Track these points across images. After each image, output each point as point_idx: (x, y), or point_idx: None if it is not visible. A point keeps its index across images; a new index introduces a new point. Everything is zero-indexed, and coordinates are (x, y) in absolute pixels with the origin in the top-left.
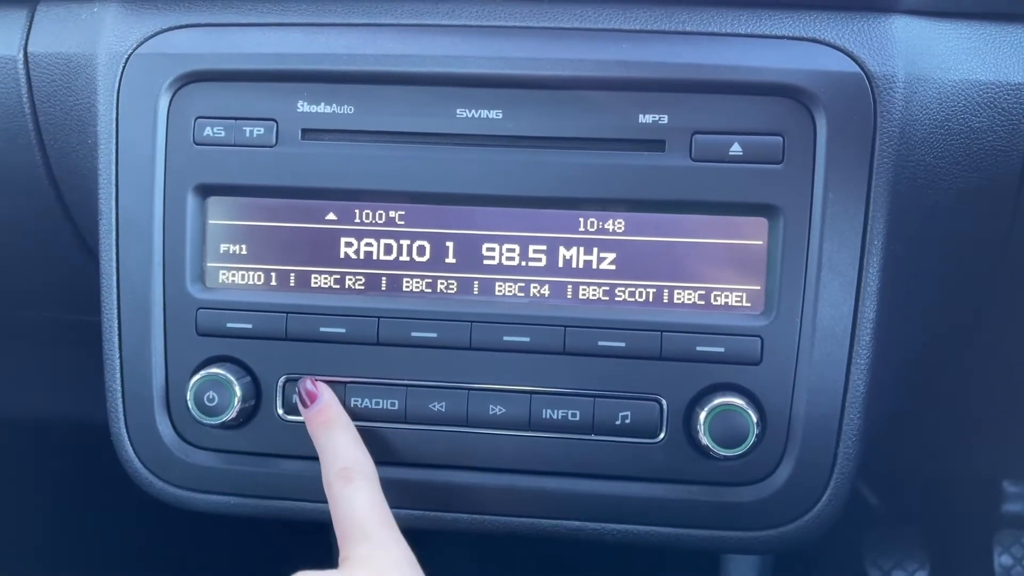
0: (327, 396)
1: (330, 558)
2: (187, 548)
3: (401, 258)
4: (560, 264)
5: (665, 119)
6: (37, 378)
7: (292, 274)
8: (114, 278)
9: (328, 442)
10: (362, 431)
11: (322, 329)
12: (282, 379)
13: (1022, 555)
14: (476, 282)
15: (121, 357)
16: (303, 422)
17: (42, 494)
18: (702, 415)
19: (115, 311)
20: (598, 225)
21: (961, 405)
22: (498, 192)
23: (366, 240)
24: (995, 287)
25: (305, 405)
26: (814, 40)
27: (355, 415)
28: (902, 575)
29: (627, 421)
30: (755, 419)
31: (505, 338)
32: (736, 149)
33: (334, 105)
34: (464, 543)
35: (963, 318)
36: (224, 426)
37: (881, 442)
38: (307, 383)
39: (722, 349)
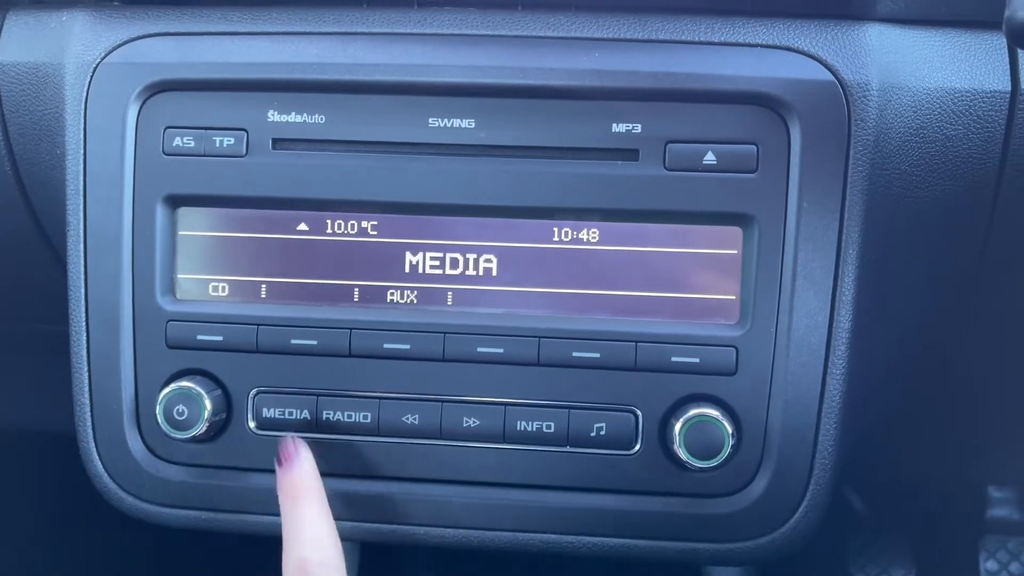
0: (304, 462)
1: None
2: (164, 562)
3: (374, 269)
4: (534, 274)
5: (638, 128)
6: (8, 387)
7: (263, 285)
8: (82, 290)
9: (292, 519)
10: (334, 444)
11: (293, 341)
12: (253, 392)
13: (1008, 560)
14: (449, 293)
15: (90, 370)
16: (275, 436)
17: (12, 505)
18: (677, 426)
19: (83, 324)
20: (572, 235)
21: (946, 411)
22: (471, 202)
23: (338, 251)
24: (974, 294)
25: (279, 464)
26: (787, 48)
27: (327, 428)
28: None
29: (602, 433)
30: (730, 430)
31: (479, 349)
32: (710, 158)
33: (305, 115)
34: (441, 557)
35: (942, 326)
36: (194, 440)
37: (865, 449)
38: (288, 443)
39: (697, 360)
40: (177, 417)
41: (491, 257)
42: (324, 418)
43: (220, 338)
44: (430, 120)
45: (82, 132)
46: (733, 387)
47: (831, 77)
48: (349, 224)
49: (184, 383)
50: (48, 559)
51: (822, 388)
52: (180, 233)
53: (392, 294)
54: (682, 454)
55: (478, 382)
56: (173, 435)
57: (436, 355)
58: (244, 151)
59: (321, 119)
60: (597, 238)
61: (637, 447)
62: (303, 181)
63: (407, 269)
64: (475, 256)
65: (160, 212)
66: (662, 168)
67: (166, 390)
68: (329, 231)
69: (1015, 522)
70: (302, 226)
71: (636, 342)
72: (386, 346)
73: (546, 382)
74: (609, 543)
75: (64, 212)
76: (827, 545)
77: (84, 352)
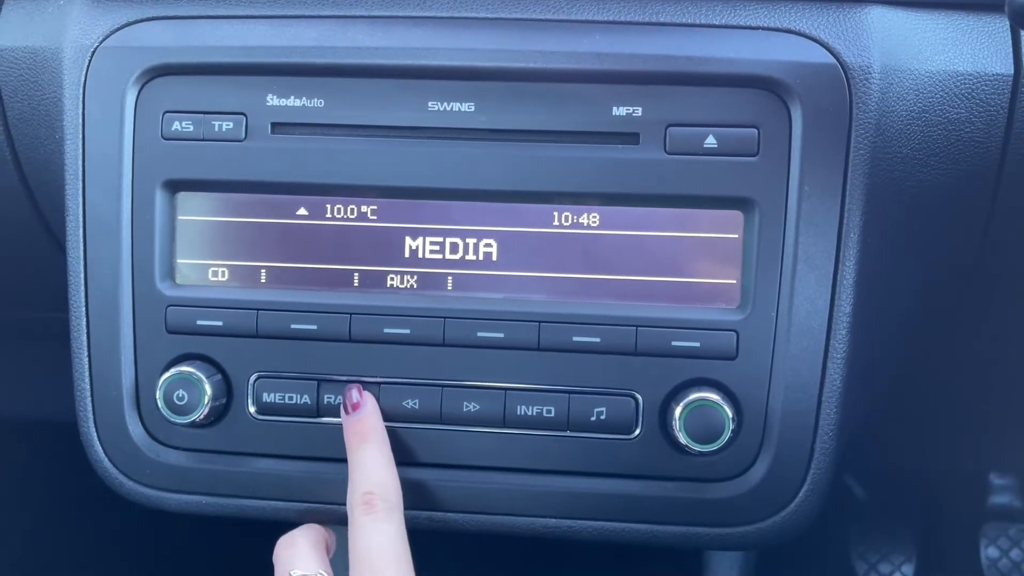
0: (369, 408)
1: None
2: (165, 548)
3: (373, 253)
4: (534, 259)
5: (639, 111)
6: (7, 376)
7: (263, 270)
8: (82, 275)
9: (359, 458)
10: (334, 429)
11: (293, 326)
12: (253, 376)
13: (1008, 547)
14: (449, 277)
15: (90, 356)
16: (274, 420)
17: (12, 494)
18: (678, 411)
19: (83, 309)
20: (572, 219)
21: (947, 398)
22: (471, 186)
23: (338, 235)
24: (976, 280)
25: (347, 412)
26: (789, 31)
27: (328, 412)
28: (889, 568)
29: (602, 417)
30: (731, 414)
31: (479, 334)
32: (711, 141)
33: (304, 99)
34: (441, 542)
35: (944, 312)
36: (195, 425)
37: (867, 435)
38: (353, 392)
39: (697, 344)
40: (177, 402)
41: (491, 242)
42: (325, 403)
43: (220, 323)
44: (430, 104)
45: (80, 117)
46: (734, 371)
47: (833, 60)
48: (349, 209)
49: (184, 368)
50: (49, 548)
51: (823, 372)
52: (179, 218)
53: (392, 279)
54: (682, 438)
55: (478, 367)
56: (173, 420)
57: (436, 340)
58: (243, 135)
59: (320, 103)
60: (597, 222)
61: (637, 431)
62: (302, 165)
63: (407, 254)
64: (475, 241)
65: (159, 197)
66: (663, 152)
67: (166, 375)
68: (329, 216)
69: (1016, 509)
70: (302, 211)
71: (636, 326)
72: (386, 331)
73: (546, 367)
74: (609, 527)
75: (63, 197)
76: (828, 532)
77: (84, 338)
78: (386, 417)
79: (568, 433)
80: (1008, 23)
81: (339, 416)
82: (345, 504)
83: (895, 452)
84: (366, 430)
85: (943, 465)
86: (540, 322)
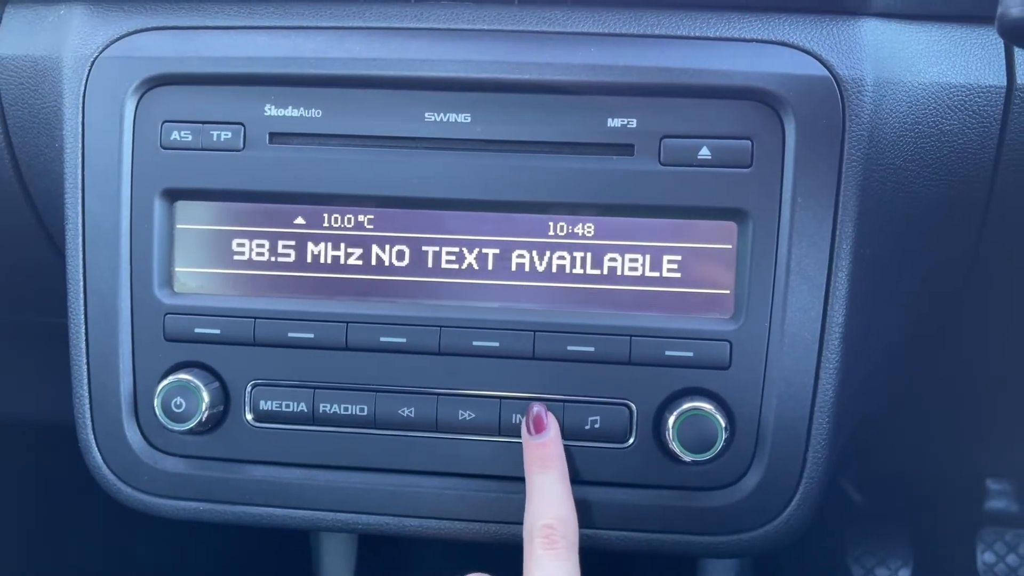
0: (553, 433)
1: (307, 561)
2: (163, 555)
3: (370, 263)
4: (529, 269)
5: (634, 123)
6: (10, 379)
7: (260, 279)
8: (81, 283)
9: (540, 485)
10: (331, 437)
11: (290, 334)
12: (251, 384)
13: (1005, 552)
14: (445, 286)
15: (88, 363)
16: (271, 428)
17: (13, 496)
18: (671, 420)
19: (82, 316)
20: (568, 229)
21: (943, 403)
22: (467, 196)
23: (334, 245)
24: (968, 290)
25: (529, 432)
26: (783, 43)
27: (324, 421)
28: (885, 573)
29: (596, 426)
30: (724, 424)
31: (474, 343)
32: (705, 153)
33: (302, 109)
34: (437, 549)
35: (937, 321)
36: (192, 432)
37: (863, 441)
38: (536, 410)
39: (691, 354)
40: (175, 409)
41: (486, 251)
42: (321, 411)
43: (218, 331)
44: (426, 115)
45: (80, 126)
46: (727, 381)
47: (826, 72)
48: (346, 218)
49: (182, 375)
50: (48, 549)
51: (815, 382)
52: (178, 226)
53: (388, 288)
54: (676, 447)
55: (474, 375)
56: (171, 427)
57: (432, 348)
58: (241, 145)
59: (318, 113)
60: (592, 233)
61: (631, 440)
62: (300, 175)
63: (403, 263)
64: (470, 250)
65: (158, 205)
66: (657, 163)
67: (164, 382)
68: (326, 225)
69: (1012, 514)
70: (299, 220)
71: (631, 336)
72: (382, 339)
73: (541, 376)
74: (604, 535)
75: (63, 205)
76: (824, 536)
77: (83, 345)
78: (382, 425)
79: (562, 442)
80: None
81: (336, 424)
82: (344, 511)
83: (892, 457)
84: (550, 456)
85: (940, 470)
86: (535, 331)
